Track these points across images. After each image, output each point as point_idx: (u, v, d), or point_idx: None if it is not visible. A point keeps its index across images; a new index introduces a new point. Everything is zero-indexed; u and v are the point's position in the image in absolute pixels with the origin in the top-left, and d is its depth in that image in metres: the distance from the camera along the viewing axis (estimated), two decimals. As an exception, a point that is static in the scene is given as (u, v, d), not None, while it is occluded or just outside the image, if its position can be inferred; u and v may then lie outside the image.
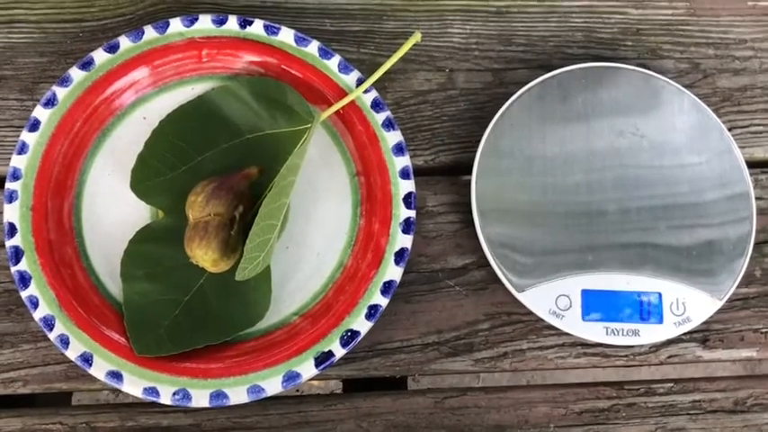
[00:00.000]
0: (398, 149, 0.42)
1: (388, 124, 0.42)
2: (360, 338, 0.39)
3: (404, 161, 0.41)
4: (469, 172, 0.43)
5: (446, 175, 0.44)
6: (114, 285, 0.40)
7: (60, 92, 0.41)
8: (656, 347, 0.43)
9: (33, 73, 0.44)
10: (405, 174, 0.41)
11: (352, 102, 0.42)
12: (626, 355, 0.42)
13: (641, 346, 0.42)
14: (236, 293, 0.39)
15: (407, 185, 0.41)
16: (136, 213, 0.41)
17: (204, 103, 0.42)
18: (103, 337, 0.38)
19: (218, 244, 0.37)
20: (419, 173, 0.44)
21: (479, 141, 0.43)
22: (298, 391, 0.41)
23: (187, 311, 0.39)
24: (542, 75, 0.44)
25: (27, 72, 0.44)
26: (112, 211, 0.41)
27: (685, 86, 0.45)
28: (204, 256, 0.37)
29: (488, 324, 0.42)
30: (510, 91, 0.44)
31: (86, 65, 0.41)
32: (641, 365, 0.42)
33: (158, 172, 0.40)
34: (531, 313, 0.41)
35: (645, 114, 0.44)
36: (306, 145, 0.40)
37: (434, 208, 0.44)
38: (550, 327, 0.42)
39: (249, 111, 0.42)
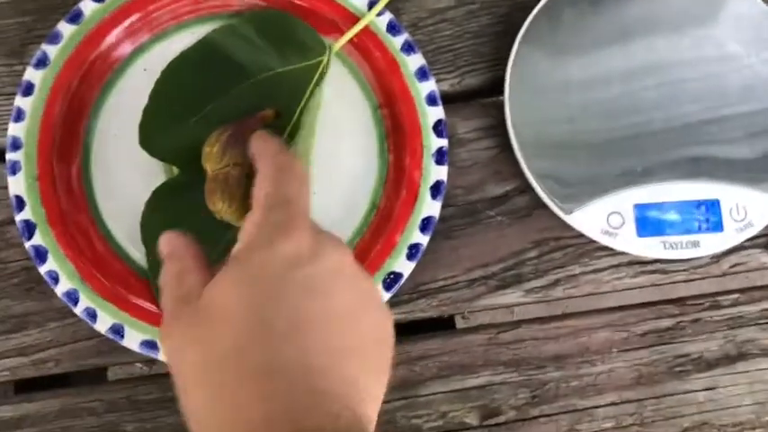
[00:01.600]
0: (422, 74, 0.38)
1: (408, 48, 0.39)
2: (403, 280, 0.36)
3: (429, 86, 0.38)
4: (500, 92, 0.39)
5: (474, 98, 0.41)
6: (136, 250, 0.37)
7: (51, 50, 0.37)
8: (718, 258, 0.40)
9: (19, 34, 0.41)
10: (431, 100, 0.38)
11: (366, 27, 0.39)
12: (686, 270, 0.40)
13: (701, 258, 0.40)
14: (267, 246, 0.37)
15: (436, 112, 0.38)
16: (150, 171, 0.38)
17: (207, 46, 0.38)
18: (132, 307, 0.36)
19: (242, 195, 0.35)
20: (445, 99, 0.41)
21: (507, 58, 0.40)
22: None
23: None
24: (569, -23, 0.40)
25: (12, 34, 0.41)
26: (125, 171, 0.38)
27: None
28: (228, 209, 0.35)
29: (536, 252, 0.39)
30: (535, -1, 0.40)
31: (75, 18, 0.38)
32: (703, 278, 0.40)
33: (167, 125, 0.37)
34: (581, 236, 0.38)
35: (687, 14, 0.40)
36: (324, 77, 0.36)
37: (466, 135, 0.41)
38: (603, 248, 0.39)
39: (256, 49, 0.38)
